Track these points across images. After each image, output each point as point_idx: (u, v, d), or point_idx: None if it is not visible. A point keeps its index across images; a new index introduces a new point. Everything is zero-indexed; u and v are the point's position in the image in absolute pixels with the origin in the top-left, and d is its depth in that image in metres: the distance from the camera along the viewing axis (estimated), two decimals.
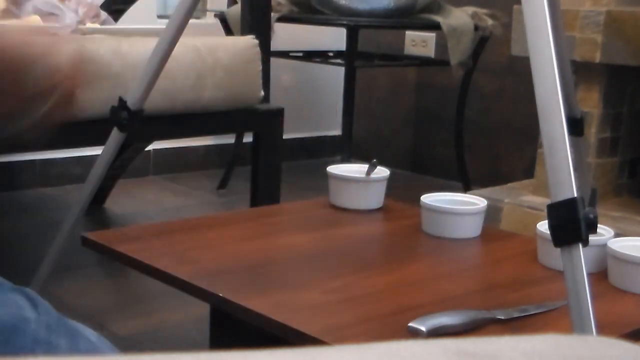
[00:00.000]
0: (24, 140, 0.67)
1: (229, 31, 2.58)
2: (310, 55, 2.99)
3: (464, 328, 0.91)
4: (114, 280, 2.10)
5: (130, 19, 2.62)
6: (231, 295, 0.96)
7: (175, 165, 3.17)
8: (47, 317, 0.65)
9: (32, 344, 0.63)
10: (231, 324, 1.14)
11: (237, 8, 2.45)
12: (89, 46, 1.69)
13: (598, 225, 0.90)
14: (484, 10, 2.63)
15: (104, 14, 2.22)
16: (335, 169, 1.40)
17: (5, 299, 0.64)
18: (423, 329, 0.87)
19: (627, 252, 1.07)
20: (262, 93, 2.00)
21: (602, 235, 1.13)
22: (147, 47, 1.57)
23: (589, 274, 0.86)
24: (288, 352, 0.30)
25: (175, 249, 1.12)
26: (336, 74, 3.08)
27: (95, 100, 1.68)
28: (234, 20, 2.47)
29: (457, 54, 2.55)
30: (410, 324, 0.88)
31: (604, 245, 1.10)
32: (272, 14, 2.32)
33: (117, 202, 2.76)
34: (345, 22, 2.46)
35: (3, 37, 0.65)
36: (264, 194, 1.99)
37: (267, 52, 2.06)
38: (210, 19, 2.88)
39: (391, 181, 1.41)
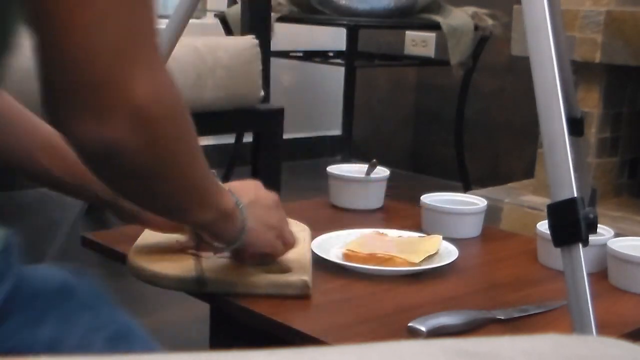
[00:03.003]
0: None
1: (229, 31, 2.58)
2: (310, 55, 2.99)
3: (464, 328, 0.91)
4: (114, 280, 2.10)
5: None
6: (231, 295, 0.96)
7: None
8: (91, 289, 0.70)
9: (82, 308, 0.66)
10: (231, 324, 1.14)
11: (237, 8, 2.45)
12: None
13: (598, 225, 0.90)
14: (484, 10, 2.63)
15: None
16: (335, 169, 1.40)
17: (55, 271, 0.69)
18: (423, 329, 0.87)
19: (627, 252, 1.07)
20: (262, 93, 2.00)
21: (602, 235, 1.13)
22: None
23: (589, 274, 0.86)
24: (288, 352, 0.30)
25: None
26: (336, 74, 3.08)
27: None
28: (234, 20, 2.47)
29: (457, 54, 2.55)
30: (410, 324, 0.88)
31: (604, 245, 1.10)
32: (272, 14, 2.32)
33: None
34: (345, 22, 2.46)
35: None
36: None
37: (267, 52, 2.06)
38: (210, 19, 2.88)
39: (391, 181, 1.41)
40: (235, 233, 0.88)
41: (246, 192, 0.91)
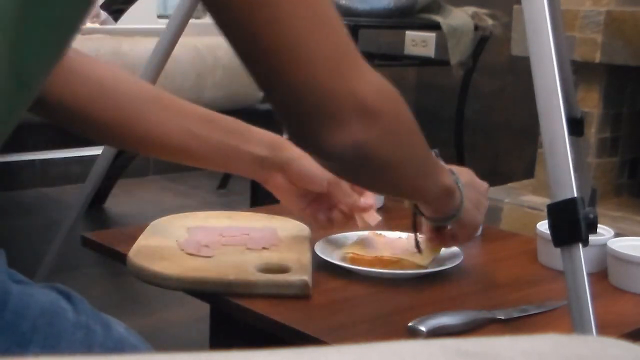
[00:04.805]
0: None
1: None
2: None
3: (464, 328, 0.91)
4: (114, 280, 2.10)
5: (130, 19, 2.62)
6: (231, 295, 0.96)
7: (175, 165, 3.17)
8: (82, 307, 0.69)
9: (73, 327, 0.66)
10: (231, 324, 1.14)
11: None
12: (89, 46, 1.69)
13: (598, 225, 0.90)
14: (484, 10, 2.63)
15: (104, 14, 2.22)
16: None
17: (42, 291, 0.67)
18: (423, 329, 0.87)
19: (627, 252, 1.07)
20: (262, 93, 1.99)
21: (602, 235, 1.13)
22: (147, 47, 1.57)
23: (589, 274, 0.86)
24: (288, 352, 0.30)
25: None
26: None
27: None
28: None
29: (457, 53, 2.55)
30: (410, 324, 0.88)
31: (604, 245, 1.10)
32: None
33: (117, 202, 2.76)
34: (345, 22, 2.46)
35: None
36: (264, 194, 1.98)
37: None
38: (210, 19, 2.88)
39: None
40: (454, 209, 0.96)
41: (463, 174, 0.98)
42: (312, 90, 0.66)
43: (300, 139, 0.71)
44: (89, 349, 0.66)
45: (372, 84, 0.69)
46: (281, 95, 0.68)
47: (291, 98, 0.67)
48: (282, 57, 0.65)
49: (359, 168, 0.73)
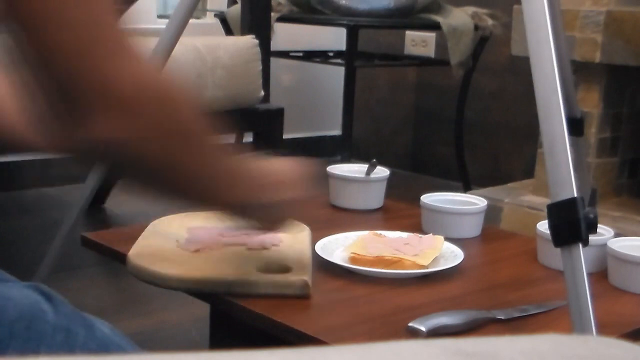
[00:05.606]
0: None
1: (229, 31, 2.58)
2: (310, 55, 2.99)
3: (464, 328, 0.91)
4: (114, 280, 2.10)
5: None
6: (231, 295, 0.96)
7: None
8: (63, 308, 0.67)
9: (52, 330, 0.64)
10: (231, 324, 1.14)
11: (237, 8, 2.45)
12: None
13: (598, 225, 0.90)
14: (484, 10, 2.63)
15: None
16: (335, 169, 1.40)
17: (22, 292, 0.66)
18: (423, 329, 0.87)
19: (627, 252, 1.07)
20: (262, 93, 2.00)
21: (602, 235, 1.13)
22: (147, 47, 1.57)
23: (589, 274, 0.86)
24: (288, 352, 0.30)
25: None
26: (336, 74, 3.08)
27: None
28: (234, 20, 2.47)
29: (457, 53, 2.55)
30: (410, 324, 0.88)
31: (604, 245, 1.10)
32: (272, 14, 2.32)
33: (117, 202, 2.76)
34: (345, 22, 2.46)
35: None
36: None
37: (267, 52, 2.07)
38: (210, 19, 2.88)
39: (391, 181, 1.41)
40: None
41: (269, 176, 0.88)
42: (62, 75, 0.59)
43: (52, 126, 0.63)
44: (70, 352, 0.65)
45: (134, 75, 0.62)
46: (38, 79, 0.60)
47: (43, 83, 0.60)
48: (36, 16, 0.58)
49: (114, 163, 0.68)
